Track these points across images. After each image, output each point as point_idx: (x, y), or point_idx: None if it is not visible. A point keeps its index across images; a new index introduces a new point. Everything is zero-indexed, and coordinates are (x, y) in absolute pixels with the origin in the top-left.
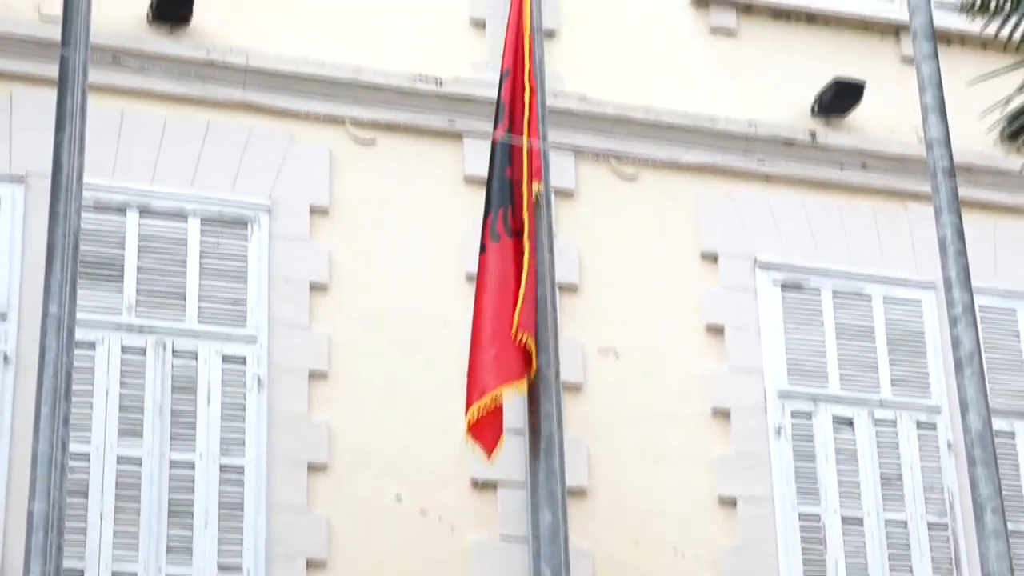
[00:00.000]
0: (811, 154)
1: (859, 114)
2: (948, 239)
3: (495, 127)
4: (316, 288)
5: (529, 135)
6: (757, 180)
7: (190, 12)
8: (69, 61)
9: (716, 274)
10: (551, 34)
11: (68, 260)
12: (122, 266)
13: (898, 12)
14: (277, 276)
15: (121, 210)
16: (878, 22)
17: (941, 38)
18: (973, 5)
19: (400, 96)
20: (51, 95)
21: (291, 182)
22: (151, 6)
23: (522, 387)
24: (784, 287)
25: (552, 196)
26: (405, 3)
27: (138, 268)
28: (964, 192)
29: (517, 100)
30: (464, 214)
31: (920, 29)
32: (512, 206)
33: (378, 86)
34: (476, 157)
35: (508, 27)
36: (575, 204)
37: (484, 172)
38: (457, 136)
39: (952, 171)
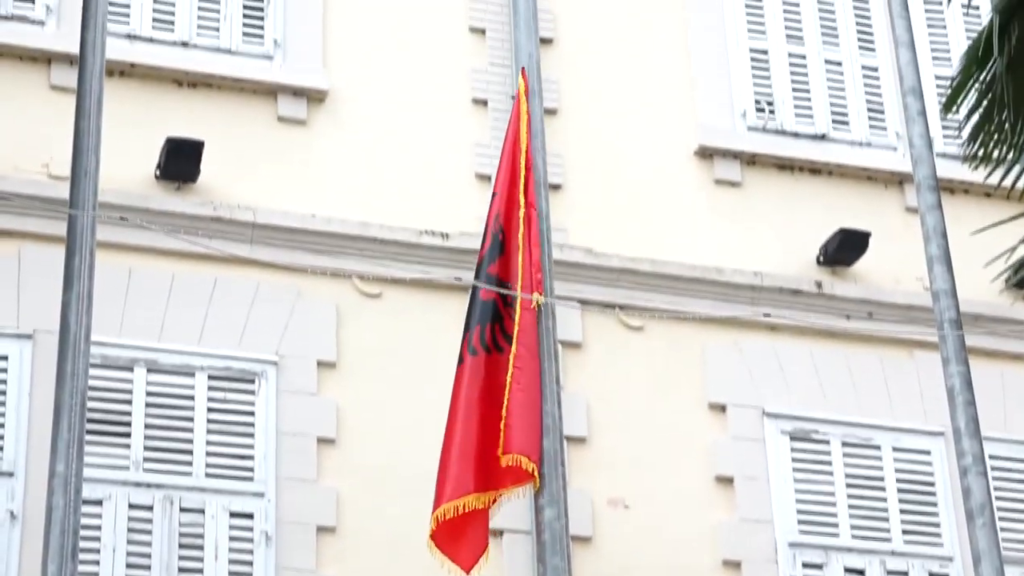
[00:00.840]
0: (817, 304)
1: (865, 264)
2: (956, 389)
3: (480, 247)
4: (324, 442)
5: (531, 245)
6: (764, 330)
7: (197, 170)
8: (77, 221)
9: (724, 424)
10: (556, 187)
11: (75, 419)
12: (129, 423)
13: (901, 163)
14: (285, 431)
15: (128, 367)
16: (882, 173)
17: (945, 188)
18: (976, 155)
19: (406, 250)
20: (59, 252)
21: (298, 337)
22: (158, 164)
23: (479, 501)
24: (793, 437)
25: (559, 348)
26: (410, 158)
27: (145, 424)
28: (971, 341)
29: (511, 222)
30: None
31: (924, 181)
32: (492, 324)
33: (384, 240)
34: None
35: (503, 153)
36: (582, 356)
37: None
38: (463, 289)
39: (959, 322)
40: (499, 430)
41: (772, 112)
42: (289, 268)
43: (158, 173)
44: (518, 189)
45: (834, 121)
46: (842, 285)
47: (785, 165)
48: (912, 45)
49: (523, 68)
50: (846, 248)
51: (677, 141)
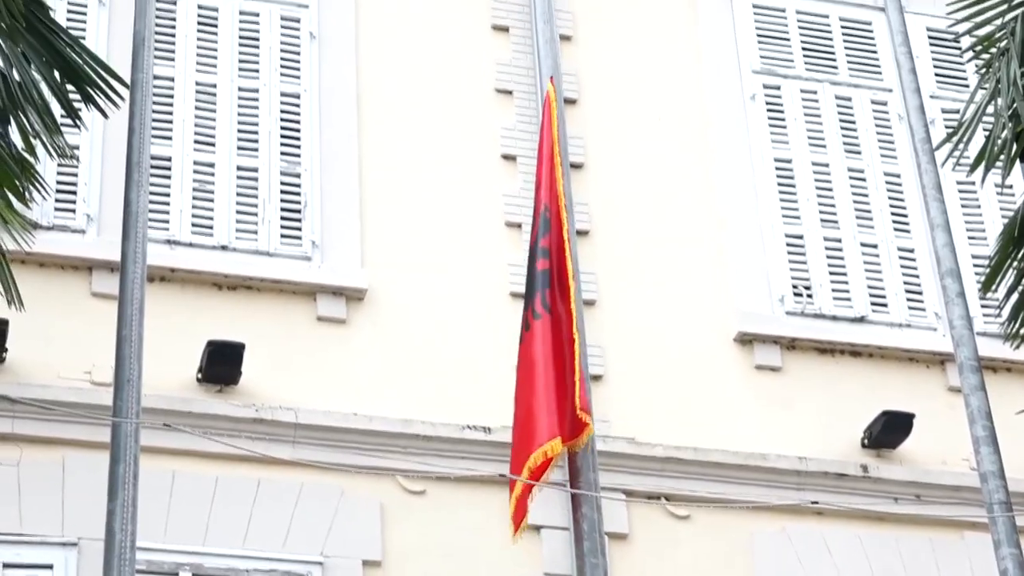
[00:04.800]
0: (864, 487)
1: (910, 445)
2: (1009, 571)
3: (532, 228)
4: None
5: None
6: (811, 515)
7: (239, 372)
8: (121, 428)
9: None
10: (597, 378)
11: None
12: None
13: (942, 343)
14: None
15: (174, 572)
16: (923, 354)
17: (987, 367)
18: (1017, 334)
19: (449, 446)
20: (103, 458)
21: (343, 537)
22: (200, 367)
23: (556, 447)
24: None
25: (606, 541)
26: (450, 354)
27: None
28: (1022, 522)
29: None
30: (519, 559)
31: (966, 362)
32: (550, 289)
33: (427, 437)
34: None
35: (539, 152)
36: (629, 547)
37: (536, 519)
38: (507, 484)
39: (1008, 503)
40: (574, 384)
41: (810, 296)
42: (332, 468)
43: (200, 376)
44: (556, 181)
45: (872, 303)
46: (888, 468)
47: (825, 349)
48: (948, 227)
49: (551, 77)
50: (890, 430)
51: (716, 328)
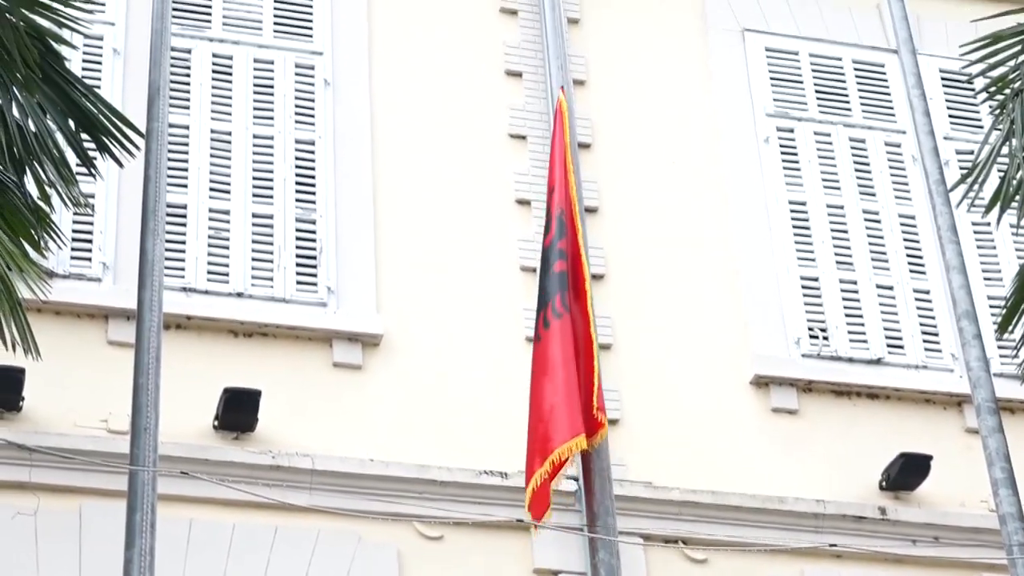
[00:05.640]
0: (882, 530)
1: (928, 487)
2: None
3: (546, 233)
4: None
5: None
6: (830, 558)
7: (255, 419)
8: (137, 477)
9: None
10: (614, 422)
11: None
12: None
13: (959, 385)
14: None
15: None
16: (940, 395)
17: (1004, 408)
18: None
19: (466, 491)
20: (120, 507)
21: None
22: (216, 415)
23: (582, 443)
24: None
25: None
26: (466, 399)
27: None
28: None
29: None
30: None
31: (983, 404)
32: (568, 291)
33: (443, 482)
34: (545, 548)
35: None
36: None
37: (554, 564)
38: (525, 528)
39: None
40: (592, 383)
41: (826, 338)
42: (349, 514)
43: (216, 423)
44: (570, 186)
45: (889, 345)
46: (906, 510)
47: (842, 391)
48: (963, 269)
49: (562, 88)
50: (908, 472)
51: (732, 371)
